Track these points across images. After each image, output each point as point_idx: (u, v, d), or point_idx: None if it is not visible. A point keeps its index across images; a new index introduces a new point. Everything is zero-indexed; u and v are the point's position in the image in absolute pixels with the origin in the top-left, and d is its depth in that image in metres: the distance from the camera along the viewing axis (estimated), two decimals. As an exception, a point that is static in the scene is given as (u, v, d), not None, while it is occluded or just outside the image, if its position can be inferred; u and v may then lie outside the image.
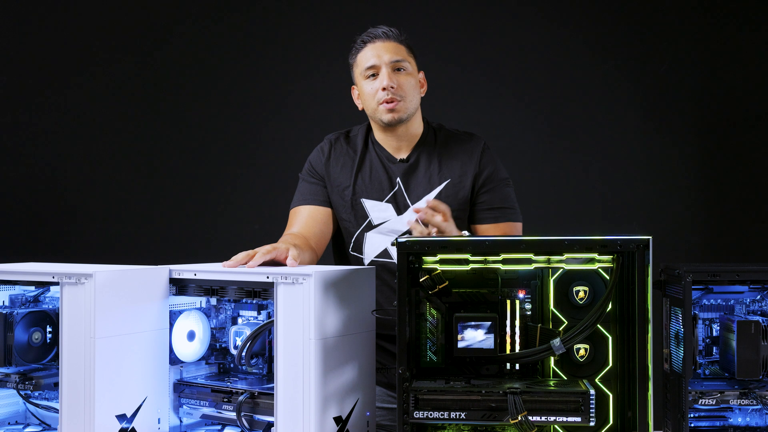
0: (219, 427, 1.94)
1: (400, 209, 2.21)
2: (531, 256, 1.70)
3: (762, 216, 3.69)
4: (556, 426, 1.69)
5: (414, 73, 2.23)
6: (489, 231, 2.25)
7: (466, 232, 2.14)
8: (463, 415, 1.62)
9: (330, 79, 3.57)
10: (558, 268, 1.74)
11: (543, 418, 1.60)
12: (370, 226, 2.22)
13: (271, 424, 1.76)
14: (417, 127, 2.27)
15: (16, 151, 3.77)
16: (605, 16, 3.74)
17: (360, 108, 2.29)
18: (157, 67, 3.81)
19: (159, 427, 1.87)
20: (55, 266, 1.89)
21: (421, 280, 1.71)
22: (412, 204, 2.19)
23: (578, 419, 1.59)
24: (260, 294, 1.84)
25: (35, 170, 3.77)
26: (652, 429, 1.60)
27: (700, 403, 1.80)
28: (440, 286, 1.71)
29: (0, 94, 3.76)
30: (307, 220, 2.26)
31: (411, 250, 1.64)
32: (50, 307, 1.97)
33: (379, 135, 2.27)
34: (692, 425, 1.83)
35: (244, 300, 1.93)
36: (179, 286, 1.91)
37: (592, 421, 1.59)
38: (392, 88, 2.17)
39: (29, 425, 2.02)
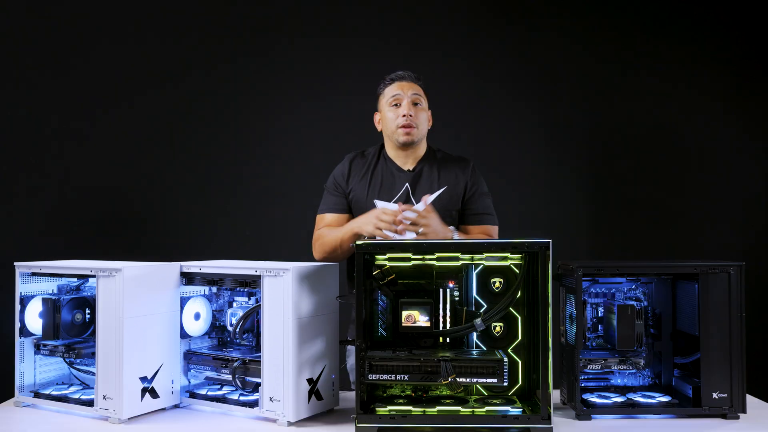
0: (219, 386, 2.07)
1: None
2: (459, 254, 1.85)
3: (634, 224, 3.87)
4: (477, 386, 1.85)
5: (425, 109, 2.51)
6: (474, 230, 2.46)
7: (452, 229, 2.26)
8: (406, 377, 1.75)
9: (333, 91, 3.67)
10: (479, 264, 1.87)
11: (468, 380, 1.74)
12: None
13: (258, 384, 1.90)
14: (422, 149, 2.54)
15: (62, 164, 3.76)
16: (514, 61, 3.87)
17: (379, 130, 2.53)
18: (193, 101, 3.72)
19: (172, 387, 1.99)
20: (92, 263, 2.00)
21: (374, 273, 1.84)
22: (416, 205, 2.34)
23: (495, 380, 1.73)
24: (250, 284, 1.97)
25: (74, 185, 3.78)
26: (552, 388, 1.73)
27: (588, 368, 1.95)
28: (389, 278, 1.85)
29: (54, 104, 3.72)
30: (333, 224, 2.48)
31: (367, 251, 1.78)
32: (89, 294, 2.08)
33: (391, 152, 2.52)
34: (583, 385, 1.98)
35: (238, 288, 2.06)
36: (188, 278, 2.03)
37: (506, 382, 1.74)
38: (410, 116, 2.44)
39: (72, 385, 2.15)
